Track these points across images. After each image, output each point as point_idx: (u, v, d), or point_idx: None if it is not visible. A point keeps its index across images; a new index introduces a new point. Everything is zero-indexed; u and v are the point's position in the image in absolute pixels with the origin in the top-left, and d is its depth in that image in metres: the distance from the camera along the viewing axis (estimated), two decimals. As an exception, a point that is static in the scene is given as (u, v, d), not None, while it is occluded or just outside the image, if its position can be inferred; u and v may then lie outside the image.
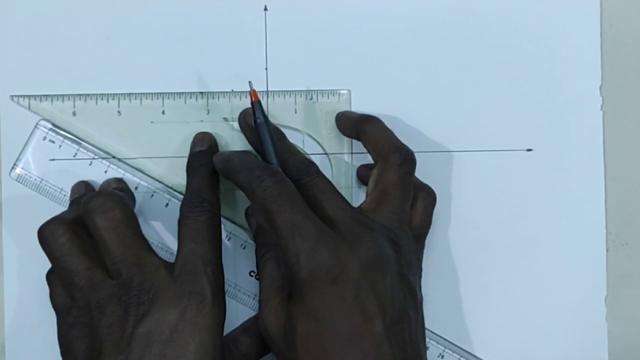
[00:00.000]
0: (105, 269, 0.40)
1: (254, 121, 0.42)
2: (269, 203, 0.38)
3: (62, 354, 0.40)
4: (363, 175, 0.45)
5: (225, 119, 0.45)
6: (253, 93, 0.42)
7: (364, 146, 0.43)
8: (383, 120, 0.44)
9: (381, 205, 0.40)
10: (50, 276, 0.41)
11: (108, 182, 0.45)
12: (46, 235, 0.40)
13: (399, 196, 0.40)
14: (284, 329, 0.38)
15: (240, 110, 0.45)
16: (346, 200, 0.40)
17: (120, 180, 0.45)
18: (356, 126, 0.43)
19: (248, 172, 0.39)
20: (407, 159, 0.41)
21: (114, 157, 0.45)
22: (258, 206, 0.39)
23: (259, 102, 0.42)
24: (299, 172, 0.40)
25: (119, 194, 0.41)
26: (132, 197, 0.44)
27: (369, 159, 0.44)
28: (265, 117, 0.42)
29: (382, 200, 0.40)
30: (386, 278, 0.38)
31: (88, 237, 0.41)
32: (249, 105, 0.43)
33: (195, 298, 0.38)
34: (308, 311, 0.37)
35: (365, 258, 0.38)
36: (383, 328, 0.37)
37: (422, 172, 0.46)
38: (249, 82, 0.42)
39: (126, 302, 0.38)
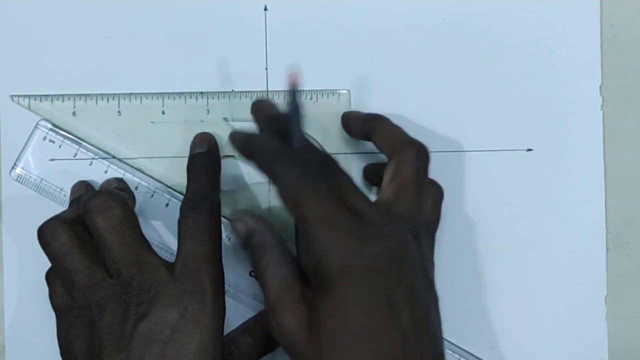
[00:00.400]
0: (105, 268, 0.40)
1: (291, 105, 0.39)
2: (296, 191, 0.37)
3: (62, 354, 0.40)
4: (372, 173, 0.45)
5: (225, 119, 0.45)
6: (294, 77, 0.39)
7: (376, 144, 0.42)
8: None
9: (400, 199, 0.39)
10: (49, 276, 0.41)
11: (108, 182, 0.45)
12: (46, 234, 0.40)
13: (416, 189, 0.40)
14: (305, 325, 0.37)
15: (240, 110, 0.45)
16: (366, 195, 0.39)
17: (120, 180, 0.45)
18: (366, 125, 0.43)
19: (273, 158, 0.38)
20: (423, 151, 0.41)
21: (114, 157, 0.45)
22: (284, 193, 0.37)
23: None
24: (321, 164, 0.39)
25: (119, 194, 0.41)
26: (132, 197, 0.44)
27: (367, 159, 0.45)
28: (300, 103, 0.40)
29: (400, 194, 0.40)
30: (413, 272, 0.37)
31: (88, 236, 0.41)
32: (249, 106, 0.43)
33: (196, 297, 0.38)
34: (336, 303, 0.36)
35: (394, 250, 0.37)
36: (410, 322, 0.36)
37: (422, 172, 0.46)
38: (291, 66, 0.39)
39: (126, 301, 0.38)
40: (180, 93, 0.45)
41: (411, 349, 0.36)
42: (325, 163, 0.39)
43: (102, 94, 0.45)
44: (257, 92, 0.44)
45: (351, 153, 0.45)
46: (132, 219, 0.40)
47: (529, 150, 0.46)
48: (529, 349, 0.46)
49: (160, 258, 0.40)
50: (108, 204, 0.40)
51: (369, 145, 0.43)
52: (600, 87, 0.46)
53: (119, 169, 0.45)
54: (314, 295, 0.37)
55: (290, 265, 0.39)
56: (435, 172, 0.46)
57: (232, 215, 0.40)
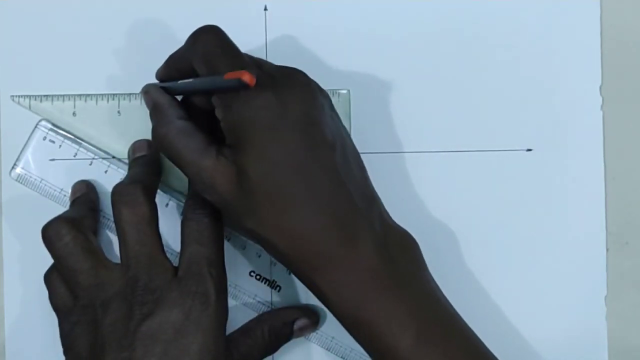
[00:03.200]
0: (109, 267, 0.40)
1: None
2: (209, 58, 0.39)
3: (65, 352, 0.40)
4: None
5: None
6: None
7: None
8: (383, 120, 0.44)
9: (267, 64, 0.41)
10: (49, 277, 0.41)
11: (139, 145, 0.45)
12: (50, 234, 0.40)
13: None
14: (235, 182, 0.38)
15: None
16: None
17: (151, 144, 0.45)
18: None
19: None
20: None
21: (114, 157, 0.45)
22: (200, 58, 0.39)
23: None
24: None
25: (151, 187, 0.41)
26: (160, 167, 0.44)
27: (369, 159, 0.44)
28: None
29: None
30: (325, 108, 0.39)
31: (91, 236, 0.41)
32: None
33: (200, 299, 0.39)
34: (258, 153, 0.37)
35: (303, 91, 0.38)
36: (334, 157, 0.38)
37: (422, 172, 0.46)
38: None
39: (131, 301, 0.38)
40: (180, 93, 0.45)
41: (339, 185, 0.38)
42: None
43: (102, 94, 0.45)
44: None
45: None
46: (155, 218, 0.40)
47: (529, 150, 0.46)
48: (529, 349, 0.46)
49: (170, 261, 0.40)
50: (139, 200, 0.40)
51: (371, 145, 0.43)
52: (600, 87, 0.46)
53: (119, 169, 0.45)
54: (236, 152, 0.38)
55: (197, 132, 0.39)
56: (435, 172, 0.46)
57: (143, 88, 0.42)
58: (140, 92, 0.43)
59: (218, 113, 0.38)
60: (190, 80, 0.40)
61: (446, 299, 0.40)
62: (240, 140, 0.38)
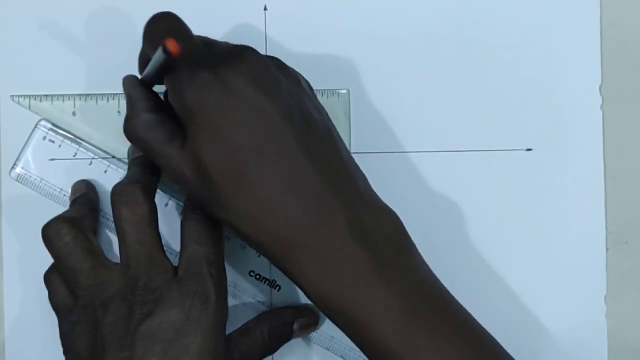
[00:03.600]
0: (109, 267, 0.40)
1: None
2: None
3: (65, 352, 0.40)
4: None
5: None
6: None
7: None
8: (383, 120, 0.44)
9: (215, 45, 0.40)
10: (49, 277, 0.41)
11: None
12: (50, 234, 0.40)
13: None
14: (196, 170, 0.37)
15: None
16: None
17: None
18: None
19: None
20: None
21: (114, 157, 0.45)
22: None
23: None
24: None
25: (151, 187, 0.41)
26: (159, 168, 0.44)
27: (372, 159, 0.45)
28: None
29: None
30: (280, 83, 0.38)
31: (92, 236, 0.41)
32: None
33: (200, 299, 0.38)
34: (207, 137, 0.36)
35: (249, 67, 0.37)
36: (294, 133, 0.36)
37: (422, 172, 0.46)
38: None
39: (131, 301, 0.38)
40: (180, 93, 0.45)
41: (302, 163, 0.36)
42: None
43: (102, 94, 0.45)
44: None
45: (355, 153, 0.45)
46: (155, 218, 0.40)
47: (529, 150, 0.46)
48: (529, 349, 0.46)
49: (170, 261, 0.40)
50: (138, 200, 0.40)
51: (371, 145, 0.43)
52: (600, 87, 0.46)
53: (119, 169, 0.45)
54: (191, 138, 0.37)
55: (165, 124, 0.39)
56: (435, 172, 0.46)
57: (122, 79, 0.41)
58: None
59: (170, 99, 0.38)
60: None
61: (435, 279, 0.38)
62: (190, 125, 0.37)
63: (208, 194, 0.37)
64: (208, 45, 0.39)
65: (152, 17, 0.38)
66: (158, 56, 0.35)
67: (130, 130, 0.39)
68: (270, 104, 0.37)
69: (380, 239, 0.37)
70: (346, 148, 0.39)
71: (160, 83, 0.40)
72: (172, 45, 0.33)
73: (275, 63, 0.39)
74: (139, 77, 0.41)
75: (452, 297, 0.38)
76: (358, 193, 0.38)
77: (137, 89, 0.40)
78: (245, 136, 0.36)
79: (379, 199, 0.39)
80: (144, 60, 0.40)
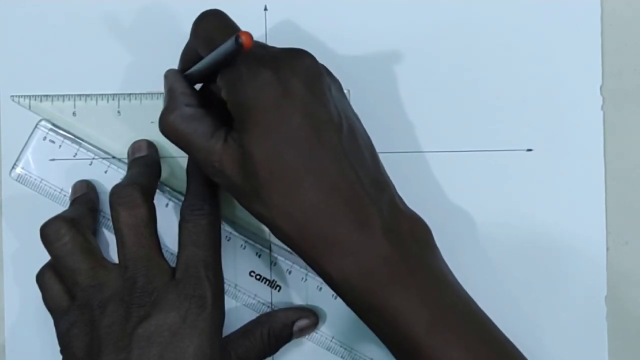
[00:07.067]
0: (107, 268, 0.40)
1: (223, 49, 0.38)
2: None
3: (61, 351, 0.40)
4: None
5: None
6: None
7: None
8: (383, 120, 0.44)
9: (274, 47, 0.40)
10: (42, 277, 0.41)
11: (138, 145, 0.45)
12: (49, 233, 0.40)
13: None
14: (241, 164, 0.37)
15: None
16: None
17: (150, 144, 0.45)
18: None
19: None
20: None
21: (114, 157, 0.45)
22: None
23: None
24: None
25: (150, 188, 0.41)
26: (159, 168, 0.44)
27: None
28: None
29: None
30: (331, 90, 0.39)
31: (90, 236, 0.41)
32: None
33: (196, 302, 0.39)
34: (260, 133, 0.37)
35: (307, 71, 0.38)
36: (341, 139, 0.37)
37: (422, 172, 0.46)
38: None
39: (128, 302, 0.38)
40: (180, 93, 0.45)
41: (346, 168, 0.37)
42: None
43: (102, 94, 0.45)
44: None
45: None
46: (154, 220, 0.40)
47: (529, 150, 0.46)
48: (529, 349, 0.46)
49: (168, 263, 0.40)
50: (137, 201, 0.40)
51: (378, 144, 0.43)
52: (600, 87, 0.46)
53: (119, 169, 0.45)
54: (241, 133, 0.37)
55: (206, 117, 0.39)
56: (435, 172, 0.46)
57: (164, 73, 0.41)
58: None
59: (223, 94, 0.38)
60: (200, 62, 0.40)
61: (459, 283, 0.39)
62: (244, 120, 0.37)
63: (249, 188, 0.37)
64: (261, 46, 0.40)
65: (202, 14, 0.39)
66: (226, 48, 0.36)
67: (168, 123, 0.39)
68: (323, 109, 0.37)
69: (412, 242, 0.38)
70: (379, 157, 0.40)
71: (202, 81, 0.41)
72: (246, 38, 0.34)
73: (326, 69, 0.40)
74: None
75: (472, 300, 0.40)
76: (392, 200, 0.39)
77: (180, 82, 0.40)
78: (297, 136, 0.37)
79: (408, 206, 0.40)
80: (188, 55, 0.41)
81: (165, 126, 0.39)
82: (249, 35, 0.34)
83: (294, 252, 0.38)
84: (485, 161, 0.46)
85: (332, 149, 0.37)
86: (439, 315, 0.37)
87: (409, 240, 0.38)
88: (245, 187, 0.38)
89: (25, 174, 0.45)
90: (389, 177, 0.40)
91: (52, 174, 0.45)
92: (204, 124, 0.39)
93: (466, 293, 0.39)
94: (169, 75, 0.41)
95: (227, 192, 0.39)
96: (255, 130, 0.37)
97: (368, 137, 0.40)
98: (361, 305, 0.38)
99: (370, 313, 0.38)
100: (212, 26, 0.39)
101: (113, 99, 0.45)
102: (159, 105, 0.45)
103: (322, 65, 0.39)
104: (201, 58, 0.39)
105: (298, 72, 0.37)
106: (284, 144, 0.37)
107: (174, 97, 0.40)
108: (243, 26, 0.46)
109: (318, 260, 0.38)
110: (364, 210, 0.37)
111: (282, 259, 0.45)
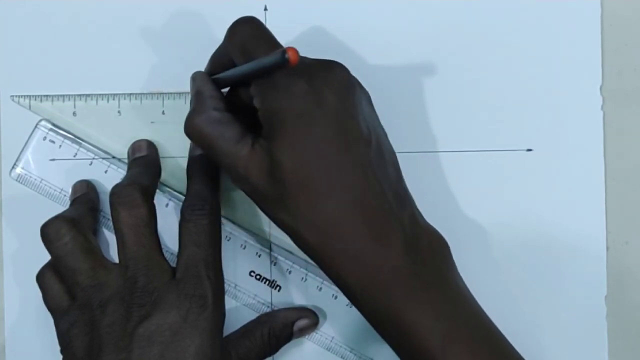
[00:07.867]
0: (108, 267, 0.40)
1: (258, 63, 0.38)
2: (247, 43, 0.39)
3: (62, 351, 0.40)
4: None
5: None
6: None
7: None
8: (382, 120, 0.44)
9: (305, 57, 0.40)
10: (42, 277, 0.41)
11: (138, 145, 0.44)
12: (49, 233, 0.40)
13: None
14: (268, 171, 0.37)
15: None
16: None
17: (150, 144, 0.45)
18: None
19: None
20: None
21: (114, 157, 0.45)
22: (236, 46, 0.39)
23: None
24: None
25: (150, 188, 0.41)
26: (159, 168, 0.44)
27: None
28: None
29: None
30: (362, 103, 0.39)
31: (91, 235, 0.41)
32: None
33: (197, 302, 0.39)
34: (290, 142, 0.37)
35: (340, 83, 0.38)
36: (369, 153, 0.38)
37: (422, 172, 0.46)
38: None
39: (129, 302, 0.38)
40: (180, 93, 0.45)
41: (372, 182, 0.37)
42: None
43: (102, 94, 0.45)
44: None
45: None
46: (154, 220, 0.40)
47: (529, 150, 0.46)
48: (529, 349, 0.46)
49: (168, 263, 0.40)
50: (137, 202, 0.40)
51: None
52: (600, 87, 0.46)
53: (119, 169, 0.45)
54: (270, 141, 0.37)
55: (233, 122, 0.39)
56: (435, 172, 0.46)
57: (192, 74, 0.42)
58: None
59: (256, 102, 0.38)
60: (235, 68, 0.40)
61: (473, 297, 0.40)
62: (275, 129, 0.37)
63: (274, 195, 0.38)
64: None
65: (238, 20, 0.39)
66: (270, 60, 0.36)
67: (194, 125, 0.39)
68: (353, 122, 0.38)
69: (430, 257, 0.39)
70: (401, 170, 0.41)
71: (231, 86, 0.41)
72: (293, 54, 0.34)
73: (357, 81, 0.40)
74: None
75: (487, 316, 0.40)
76: (412, 215, 0.39)
77: (208, 85, 0.40)
78: (326, 147, 0.37)
79: (426, 220, 0.40)
80: (220, 59, 0.41)
81: (191, 128, 0.39)
82: (296, 51, 0.35)
83: (313, 262, 0.39)
84: (485, 161, 0.46)
85: (360, 163, 0.37)
86: (453, 329, 0.38)
87: (427, 254, 0.38)
88: (270, 194, 0.38)
89: (26, 174, 0.45)
90: (409, 192, 0.40)
91: (52, 174, 0.45)
92: (230, 129, 0.39)
93: (479, 307, 0.40)
94: (197, 77, 0.41)
95: (250, 198, 0.39)
96: (286, 139, 0.37)
97: (393, 151, 0.40)
98: (377, 317, 0.38)
99: (386, 324, 0.38)
100: (248, 34, 0.39)
101: (113, 99, 0.45)
102: (159, 105, 0.45)
103: (354, 78, 0.40)
104: (232, 63, 0.39)
105: (331, 84, 0.38)
106: (314, 155, 0.37)
107: (202, 100, 0.40)
108: (243, 26, 0.46)
109: (338, 271, 0.38)
110: (386, 224, 0.38)
111: (282, 259, 0.45)
